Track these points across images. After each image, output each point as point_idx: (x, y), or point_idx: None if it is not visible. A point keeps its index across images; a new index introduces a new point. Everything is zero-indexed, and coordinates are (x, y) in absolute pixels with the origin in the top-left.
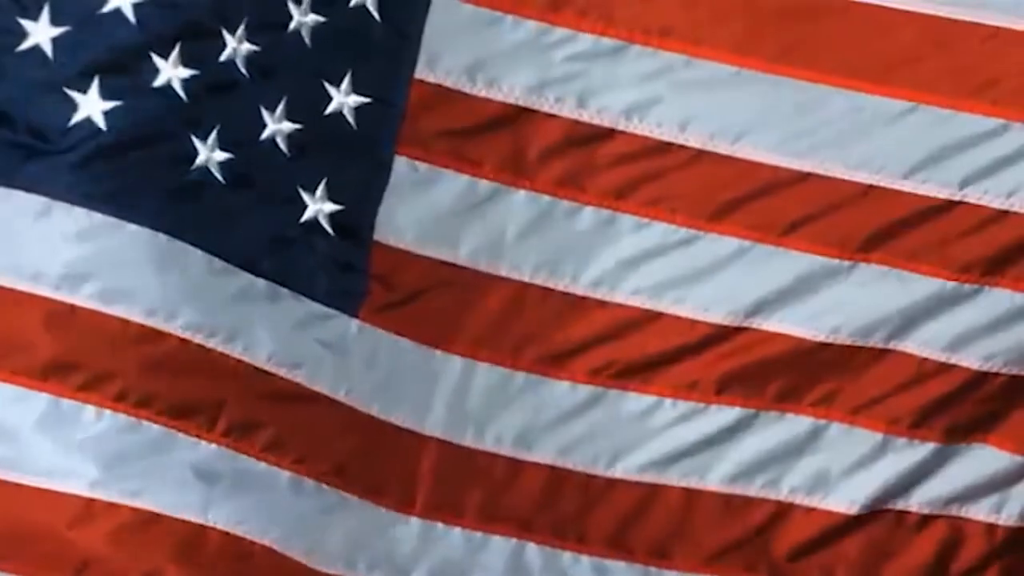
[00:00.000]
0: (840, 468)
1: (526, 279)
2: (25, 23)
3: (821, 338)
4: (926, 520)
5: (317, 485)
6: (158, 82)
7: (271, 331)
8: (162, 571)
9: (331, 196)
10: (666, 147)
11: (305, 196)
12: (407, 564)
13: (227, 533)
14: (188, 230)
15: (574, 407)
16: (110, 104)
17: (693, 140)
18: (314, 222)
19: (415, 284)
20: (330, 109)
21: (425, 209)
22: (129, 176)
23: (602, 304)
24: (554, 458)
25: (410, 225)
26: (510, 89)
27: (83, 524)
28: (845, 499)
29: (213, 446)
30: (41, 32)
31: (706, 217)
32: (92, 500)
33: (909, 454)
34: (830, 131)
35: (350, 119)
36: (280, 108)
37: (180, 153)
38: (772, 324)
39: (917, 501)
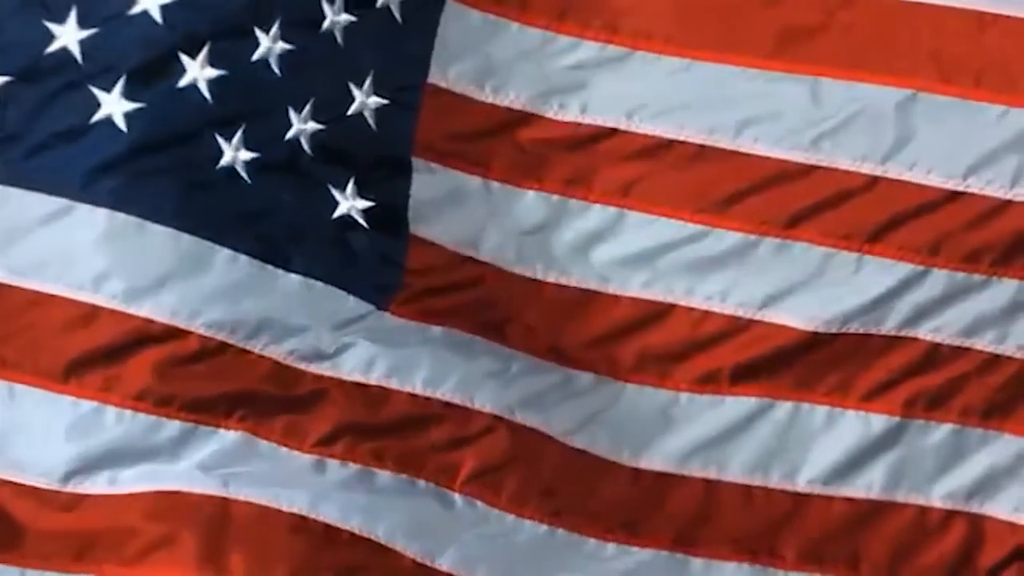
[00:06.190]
0: (857, 453)
1: (539, 277)
2: (52, 26)
3: (833, 329)
4: (949, 517)
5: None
6: (183, 83)
7: (298, 325)
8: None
9: (361, 193)
10: (667, 144)
11: (336, 193)
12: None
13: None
14: (212, 229)
15: (600, 402)
16: (132, 106)
17: (693, 137)
18: (348, 218)
19: (448, 277)
20: (352, 110)
21: (446, 207)
22: (152, 177)
23: (615, 299)
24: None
25: (437, 221)
26: (516, 95)
27: None
28: (863, 484)
29: (231, 434)
30: (69, 35)
31: (712, 212)
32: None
33: (926, 437)
34: (832, 123)
35: (370, 121)
36: (307, 108)
37: (204, 153)
38: (783, 315)
39: (939, 495)
